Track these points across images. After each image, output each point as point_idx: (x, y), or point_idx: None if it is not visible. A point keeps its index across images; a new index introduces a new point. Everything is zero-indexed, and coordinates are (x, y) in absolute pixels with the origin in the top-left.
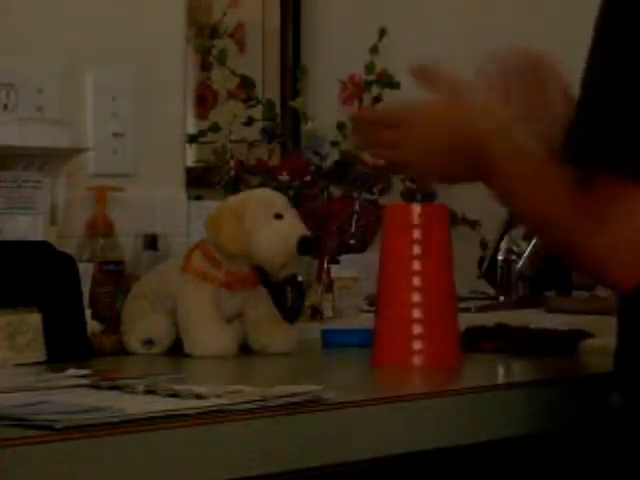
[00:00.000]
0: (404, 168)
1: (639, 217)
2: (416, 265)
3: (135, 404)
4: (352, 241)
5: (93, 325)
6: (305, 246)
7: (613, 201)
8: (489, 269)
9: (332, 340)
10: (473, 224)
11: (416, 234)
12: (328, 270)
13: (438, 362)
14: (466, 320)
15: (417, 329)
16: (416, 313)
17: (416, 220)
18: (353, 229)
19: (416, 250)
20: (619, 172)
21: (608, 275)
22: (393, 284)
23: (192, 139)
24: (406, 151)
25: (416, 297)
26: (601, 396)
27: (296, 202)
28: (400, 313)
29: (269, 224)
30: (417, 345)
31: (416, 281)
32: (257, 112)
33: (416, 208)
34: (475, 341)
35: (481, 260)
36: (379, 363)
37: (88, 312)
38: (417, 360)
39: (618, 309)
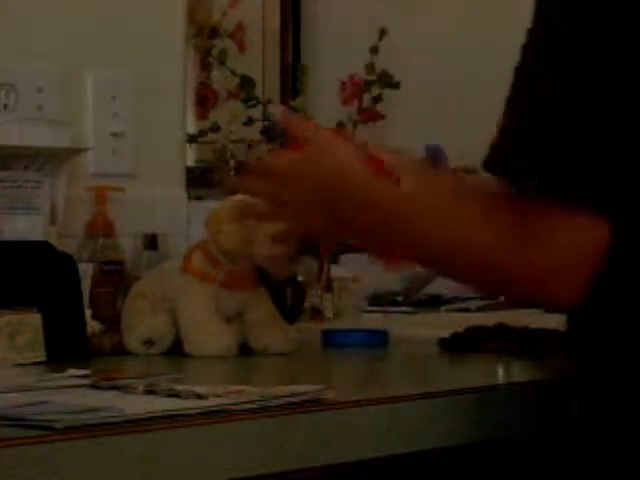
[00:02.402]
0: (282, 219)
1: (570, 232)
2: None
3: (135, 404)
4: (352, 241)
5: (93, 325)
6: (305, 246)
7: (548, 220)
8: None
9: (332, 340)
10: None
11: None
12: (328, 270)
13: None
14: (466, 320)
15: None
16: None
17: None
18: None
19: None
20: (554, 194)
21: (551, 294)
22: None
23: (192, 139)
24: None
25: None
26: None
27: None
28: None
29: (269, 224)
30: None
31: None
32: (257, 112)
33: None
34: (475, 341)
35: None
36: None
37: (88, 312)
38: None
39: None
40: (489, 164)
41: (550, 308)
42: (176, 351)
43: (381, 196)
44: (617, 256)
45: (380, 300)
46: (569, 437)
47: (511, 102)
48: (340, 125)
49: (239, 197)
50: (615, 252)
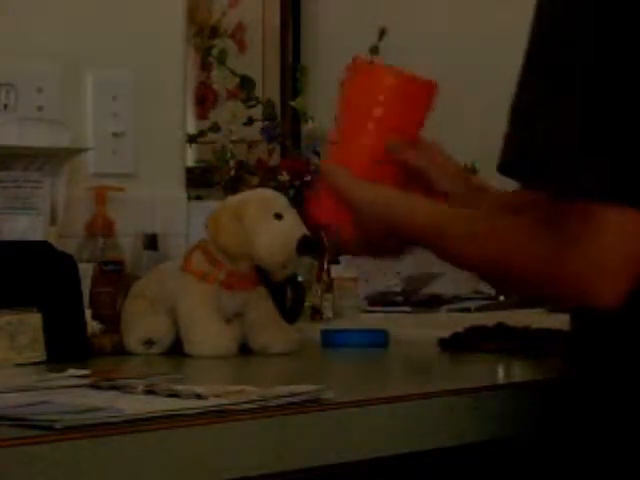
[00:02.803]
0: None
1: (607, 234)
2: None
3: (135, 404)
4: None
5: (93, 325)
6: (305, 246)
7: (585, 224)
8: None
9: (332, 340)
10: None
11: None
12: (328, 270)
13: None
14: (466, 320)
15: None
16: None
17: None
18: None
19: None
20: (586, 196)
21: (593, 298)
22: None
23: (192, 139)
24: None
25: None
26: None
27: (296, 202)
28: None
29: (269, 224)
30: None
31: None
32: (257, 112)
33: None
34: (475, 341)
35: None
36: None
37: (88, 312)
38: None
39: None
40: (507, 168)
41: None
42: (176, 351)
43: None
44: None
45: (380, 300)
46: (569, 437)
47: (531, 103)
48: None
49: (239, 197)
50: None
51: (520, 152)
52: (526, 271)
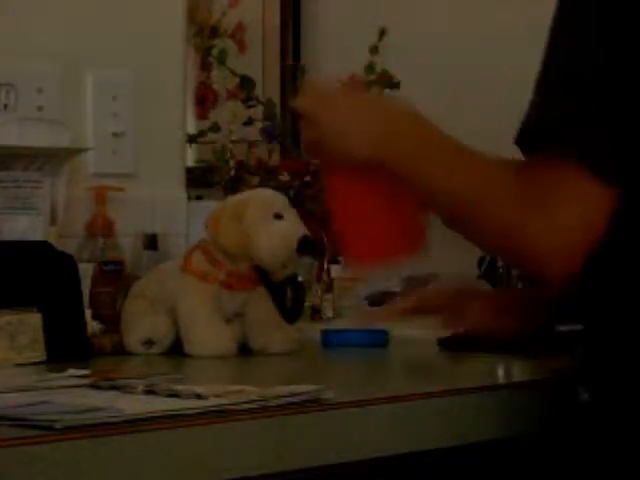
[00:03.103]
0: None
1: (581, 204)
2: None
3: (135, 404)
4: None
5: (93, 325)
6: (305, 246)
7: (555, 186)
8: (489, 269)
9: (332, 340)
10: None
11: None
12: (328, 270)
13: (401, 251)
14: None
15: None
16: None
17: None
18: None
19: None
20: (568, 154)
21: (539, 264)
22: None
23: (192, 139)
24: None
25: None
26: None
27: (296, 202)
28: (355, 210)
29: (269, 224)
30: (378, 238)
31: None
32: (257, 112)
33: None
34: (475, 341)
35: (481, 260)
36: (355, 261)
37: (88, 312)
38: (379, 253)
39: (582, 306)
40: (522, 139)
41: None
42: (176, 351)
43: (429, 126)
44: (619, 228)
45: (380, 300)
46: (569, 437)
47: (543, 79)
48: None
49: (239, 197)
50: (618, 224)
51: (525, 121)
52: (487, 216)
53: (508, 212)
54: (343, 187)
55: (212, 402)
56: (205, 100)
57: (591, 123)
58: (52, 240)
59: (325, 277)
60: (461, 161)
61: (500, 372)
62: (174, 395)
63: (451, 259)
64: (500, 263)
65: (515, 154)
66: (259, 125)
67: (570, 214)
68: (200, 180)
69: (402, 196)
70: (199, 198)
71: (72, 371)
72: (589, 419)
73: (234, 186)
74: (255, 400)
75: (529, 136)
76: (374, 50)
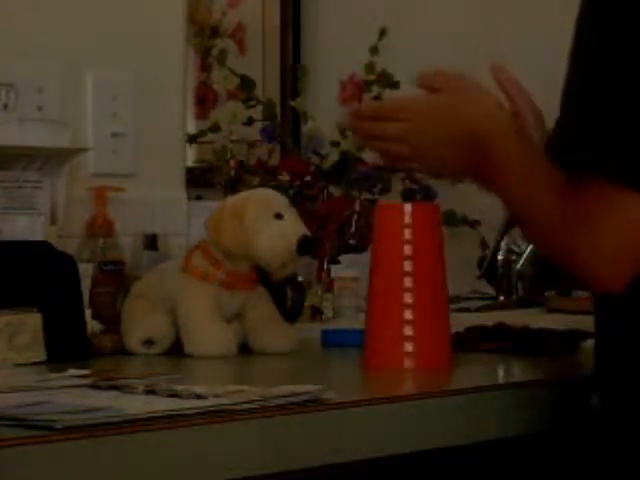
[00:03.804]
0: (404, 161)
1: (627, 223)
2: (407, 266)
3: (135, 404)
4: (352, 241)
5: (93, 325)
6: (305, 246)
7: (596, 202)
8: (489, 269)
9: (332, 340)
10: (473, 224)
11: (407, 234)
12: (328, 270)
13: (429, 364)
14: (466, 320)
15: (408, 331)
16: (407, 314)
17: (407, 220)
18: (353, 229)
19: (407, 251)
20: (604, 174)
21: (590, 277)
22: (384, 285)
23: (192, 139)
24: (407, 143)
25: (407, 298)
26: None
27: (296, 202)
28: (391, 314)
29: (269, 224)
30: (408, 347)
31: (407, 282)
32: (257, 112)
33: (407, 207)
34: (475, 341)
35: (481, 260)
36: (370, 365)
37: (88, 312)
38: (408, 362)
39: (595, 309)
40: (555, 153)
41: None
42: (176, 351)
43: (495, 149)
44: None
45: None
46: (569, 437)
47: (577, 92)
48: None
49: (239, 197)
50: None
51: (559, 136)
52: (543, 237)
53: (557, 236)
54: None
55: (212, 402)
56: (205, 100)
57: (627, 139)
58: (52, 240)
59: (325, 277)
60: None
61: (500, 372)
62: (174, 395)
63: (451, 259)
64: (500, 263)
65: None
66: (259, 125)
67: (615, 233)
68: (200, 180)
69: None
70: (199, 198)
71: (72, 371)
72: (598, 424)
73: (234, 186)
74: (255, 400)
75: (564, 152)
76: (374, 50)
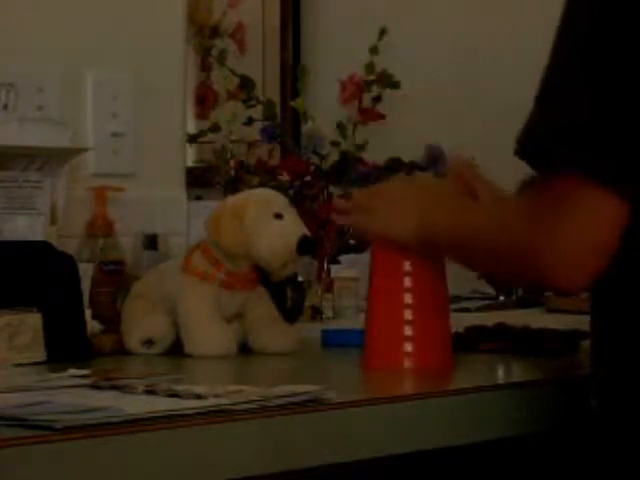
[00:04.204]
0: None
1: (590, 217)
2: (407, 266)
3: (135, 404)
4: (352, 241)
5: (93, 325)
6: (305, 246)
7: (556, 200)
8: None
9: (332, 340)
10: None
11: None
12: (328, 270)
13: (428, 365)
14: (466, 320)
15: (408, 331)
16: (407, 315)
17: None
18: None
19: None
20: (576, 170)
21: (555, 278)
22: (385, 285)
23: (192, 139)
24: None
25: (408, 298)
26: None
27: (296, 202)
28: (391, 315)
29: (269, 224)
30: (408, 348)
31: (407, 282)
32: (257, 112)
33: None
34: (475, 341)
35: None
36: (369, 365)
37: (88, 312)
38: (407, 363)
39: (591, 311)
40: (523, 151)
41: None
42: (176, 351)
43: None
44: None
45: None
46: (585, 434)
47: (548, 88)
48: (340, 125)
49: (239, 197)
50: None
51: (528, 133)
52: (496, 241)
53: (517, 232)
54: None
55: (212, 402)
56: (205, 100)
57: (598, 135)
58: (52, 240)
59: (325, 277)
60: (480, 206)
61: (500, 372)
62: (174, 395)
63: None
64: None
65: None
66: (259, 125)
67: (583, 231)
68: (200, 180)
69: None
70: (199, 198)
71: (72, 371)
72: (596, 425)
73: (234, 186)
74: (255, 400)
75: (533, 149)
76: (374, 50)
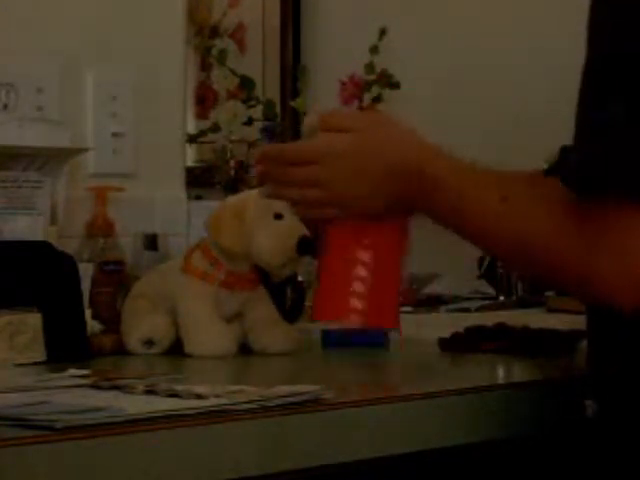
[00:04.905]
0: (320, 207)
1: (634, 236)
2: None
3: (135, 404)
4: None
5: (93, 325)
6: (305, 246)
7: (619, 223)
8: (489, 269)
9: (332, 340)
10: None
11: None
12: None
13: (375, 321)
14: (466, 320)
15: (358, 287)
16: (360, 271)
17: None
18: None
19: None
20: (628, 196)
21: (616, 298)
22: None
23: (192, 139)
24: (329, 187)
25: (361, 255)
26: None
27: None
28: (342, 270)
29: (269, 224)
30: (355, 303)
31: (365, 240)
32: (257, 112)
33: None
34: (475, 341)
35: (481, 260)
36: (317, 316)
37: (88, 312)
38: (355, 318)
39: (587, 312)
40: (575, 181)
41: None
42: (176, 351)
43: (458, 176)
44: None
45: None
46: (581, 438)
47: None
48: None
49: (239, 197)
50: None
51: (575, 159)
52: (551, 259)
53: (578, 262)
54: (343, 242)
55: (212, 402)
56: (205, 100)
57: None
58: (52, 240)
59: None
60: (507, 203)
61: (500, 372)
62: (174, 395)
63: (451, 259)
64: (500, 263)
65: (513, 155)
66: (259, 125)
67: (631, 248)
68: (200, 180)
69: (394, 266)
70: (199, 198)
71: (72, 371)
72: (596, 430)
73: (234, 186)
74: (255, 400)
75: (587, 179)
76: (374, 50)
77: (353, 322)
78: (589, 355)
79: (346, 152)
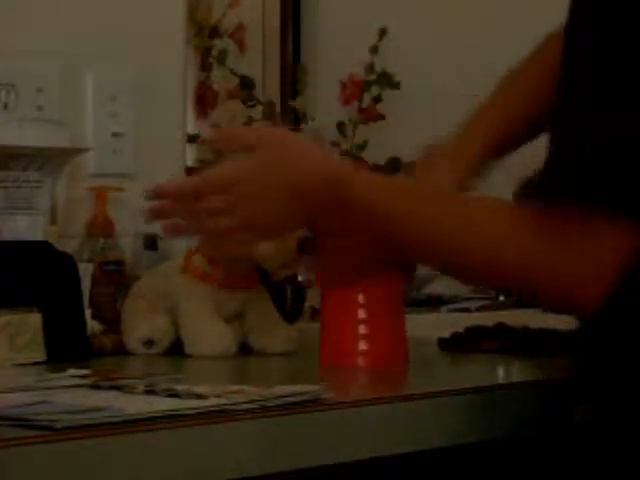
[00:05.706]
0: (233, 233)
1: (592, 239)
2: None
3: (135, 404)
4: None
5: (93, 325)
6: (305, 246)
7: (566, 226)
8: None
9: None
10: None
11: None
12: None
13: (383, 363)
14: (466, 320)
15: (363, 330)
16: (361, 314)
17: None
18: None
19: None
20: (591, 202)
21: (572, 300)
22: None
23: (192, 139)
24: (238, 211)
25: (361, 299)
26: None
27: None
28: (346, 315)
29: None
30: (363, 346)
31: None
32: (257, 112)
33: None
34: (475, 341)
35: None
36: (326, 364)
37: (88, 312)
38: (362, 361)
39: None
40: (541, 189)
41: (566, 312)
42: (176, 351)
43: (378, 194)
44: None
45: None
46: (571, 441)
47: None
48: (340, 125)
49: None
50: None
51: (550, 173)
52: (514, 263)
53: (536, 252)
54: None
55: (212, 402)
56: (205, 100)
57: (619, 170)
58: (52, 240)
59: None
60: (458, 210)
61: (500, 372)
62: (174, 395)
63: None
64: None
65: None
66: (259, 125)
67: (584, 250)
68: None
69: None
70: None
71: (72, 371)
72: (589, 434)
73: None
74: (255, 400)
75: (552, 186)
76: (374, 50)
77: (361, 365)
78: (578, 357)
79: (254, 174)
